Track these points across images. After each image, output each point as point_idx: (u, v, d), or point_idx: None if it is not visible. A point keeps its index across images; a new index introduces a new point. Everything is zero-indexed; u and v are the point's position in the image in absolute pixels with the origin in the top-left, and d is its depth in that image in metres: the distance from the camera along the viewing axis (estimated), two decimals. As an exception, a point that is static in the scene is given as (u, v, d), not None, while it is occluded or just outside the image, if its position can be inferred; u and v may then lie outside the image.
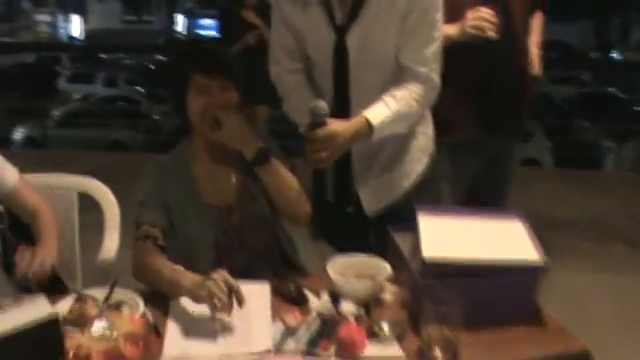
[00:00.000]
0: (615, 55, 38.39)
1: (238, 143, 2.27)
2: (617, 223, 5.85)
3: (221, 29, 5.65)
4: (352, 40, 2.39)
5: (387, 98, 2.38)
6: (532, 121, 15.23)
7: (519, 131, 3.20)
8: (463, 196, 3.05)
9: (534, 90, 3.11)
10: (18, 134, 18.67)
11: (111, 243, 2.77)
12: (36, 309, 1.68)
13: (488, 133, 2.98)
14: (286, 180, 2.32)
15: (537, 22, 3.12)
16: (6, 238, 2.32)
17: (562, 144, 14.74)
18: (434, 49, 2.43)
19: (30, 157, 8.45)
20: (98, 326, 1.70)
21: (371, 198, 2.64)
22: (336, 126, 2.27)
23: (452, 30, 2.74)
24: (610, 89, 22.44)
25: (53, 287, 2.14)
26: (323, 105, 2.25)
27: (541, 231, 2.10)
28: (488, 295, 1.88)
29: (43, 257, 2.15)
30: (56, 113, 19.78)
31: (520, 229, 2.11)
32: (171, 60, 3.04)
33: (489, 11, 2.72)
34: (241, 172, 2.36)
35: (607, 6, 39.28)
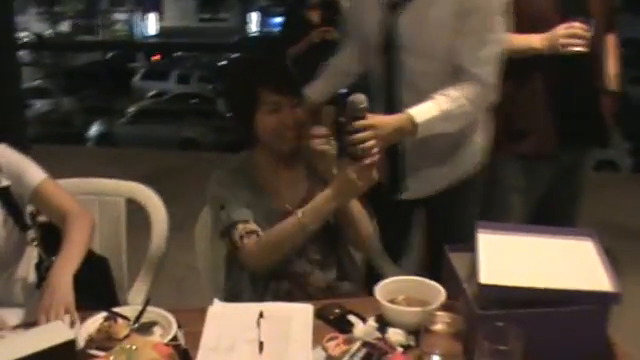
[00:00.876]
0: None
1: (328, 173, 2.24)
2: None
3: (285, 28, 5.59)
4: (404, 21, 2.36)
5: (439, 96, 2.32)
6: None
7: (595, 143, 3.09)
8: (534, 208, 2.99)
9: (615, 106, 3.02)
10: (93, 131, 19.05)
11: (158, 250, 2.65)
12: (54, 333, 1.60)
13: (563, 145, 2.90)
14: (356, 213, 2.28)
15: (611, 43, 3.05)
16: (41, 257, 2.26)
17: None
18: (491, 51, 2.35)
19: (103, 155, 8.55)
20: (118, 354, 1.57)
21: (420, 186, 2.64)
22: (376, 120, 2.17)
23: (539, 43, 2.75)
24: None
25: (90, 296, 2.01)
26: (362, 98, 2.11)
27: (616, 242, 1.88)
28: (553, 328, 1.67)
29: (57, 308, 1.86)
30: (130, 110, 20.13)
31: (592, 251, 1.90)
32: (237, 76, 2.90)
33: (583, 26, 2.68)
34: (308, 179, 2.33)
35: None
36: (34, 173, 2.26)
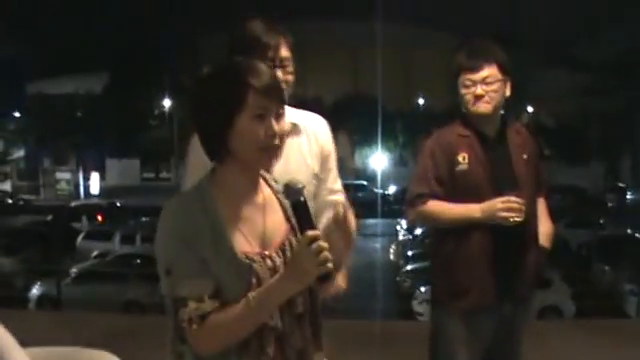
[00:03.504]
0: (630, 196, 38.54)
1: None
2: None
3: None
4: None
5: None
6: (550, 267, 15.19)
7: (531, 296, 3.27)
8: (481, 358, 3.12)
9: (543, 260, 3.26)
10: (34, 292, 18.62)
11: None
12: None
13: (502, 298, 3.07)
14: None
15: (542, 206, 3.30)
16: None
17: (583, 292, 14.50)
18: None
19: (45, 318, 8.36)
20: None
21: None
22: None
23: (478, 213, 2.99)
24: (628, 231, 22.35)
25: None
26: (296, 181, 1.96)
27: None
28: None
29: None
30: (73, 270, 19.81)
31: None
32: (222, 73, 1.90)
33: (518, 200, 2.93)
34: (284, 211, 2.03)
35: (617, 148, 39.80)
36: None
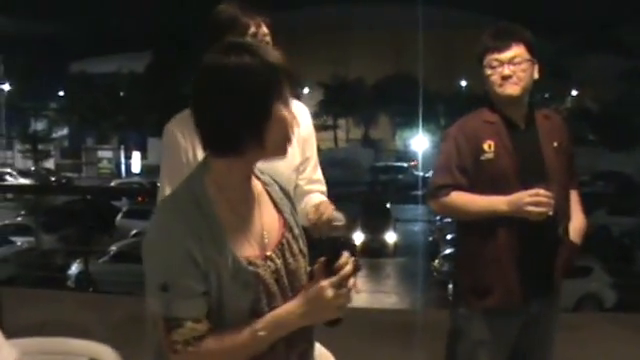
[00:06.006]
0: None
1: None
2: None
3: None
4: None
5: None
6: (590, 255, 14.90)
7: (557, 294, 3.08)
8: None
9: (574, 257, 3.05)
10: (72, 270, 18.84)
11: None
12: None
13: (525, 299, 2.90)
14: None
15: (575, 199, 3.11)
16: None
17: (624, 283, 14.10)
18: None
19: (78, 299, 8.38)
20: None
21: None
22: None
23: (504, 206, 2.82)
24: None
25: None
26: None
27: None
28: None
29: None
30: (111, 249, 20.00)
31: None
32: (246, 62, 1.57)
33: (547, 193, 2.75)
34: (275, 204, 1.91)
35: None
36: (4, 356, 2.21)
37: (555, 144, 2.94)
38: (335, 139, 51.93)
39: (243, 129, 1.71)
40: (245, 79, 1.70)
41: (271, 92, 1.71)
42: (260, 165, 1.90)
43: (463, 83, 50.49)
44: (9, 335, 3.52)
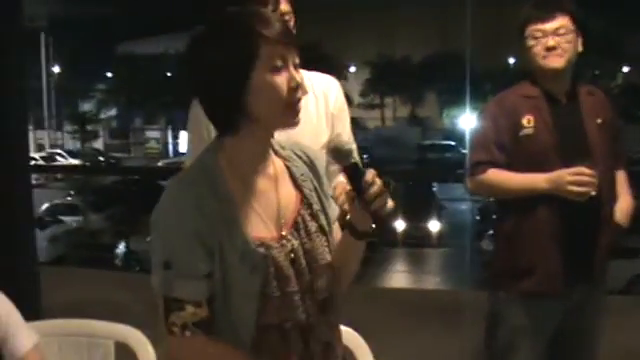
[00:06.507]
0: None
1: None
2: None
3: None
4: None
5: None
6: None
7: (602, 279, 2.93)
8: (544, 350, 2.84)
9: (618, 239, 2.91)
10: (120, 249, 19.04)
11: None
12: None
13: (567, 284, 2.76)
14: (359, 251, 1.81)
15: (621, 179, 2.95)
16: None
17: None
18: None
19: (116, 280, 8.42)
20: None
21: None
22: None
23: (544, 184, 2.69)
24: None
25: None
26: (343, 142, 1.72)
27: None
28: None
29: None
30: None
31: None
32: (221, 30, 1.68)
33: (590, 172, 2.62)
34: (293, 180, 1.80)
35: None
36: (23, 340, 2.19)
37: (599, 120, 2.79)
38: (382, 118, 51.65)
39: (224, 103, 1.64)
40: (211, 50, 1.64)
41: (243, 60, 1.61)
42: (285, 140, 1.81)
43: (511, 60, 49.75)
44: (46, 314, 3.52)
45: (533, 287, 2.77)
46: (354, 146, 1.82)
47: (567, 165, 2.65)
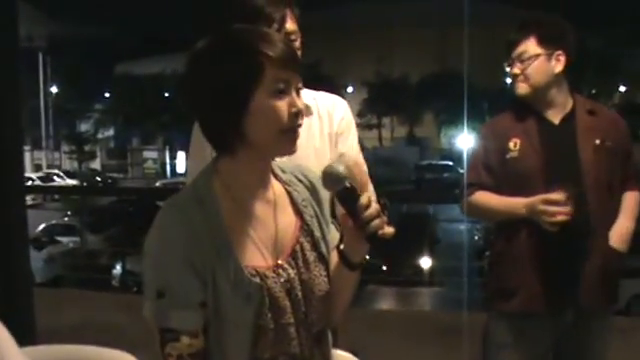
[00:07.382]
0: None
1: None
2: None
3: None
4: None
5: None
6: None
7: (605, 308, 2.89)
8: None
9: (616, 264, 2.81)
10: (117, 270, 18.94)
11: None
12: None
13: (553, 305, 2.73)
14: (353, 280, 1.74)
15: (629, 201, 2.86)
16: None
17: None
18: None
19: (113, 302, 8.35)
20: None
21: None
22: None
23: (521, 209, 2.67)
24: None
25: None
26: (338, 168, 1.65)
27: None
28: None
29: None
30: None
31: None
32: (224, 48, 1.62)
33: (560, 197, 2.56)
34: (294, 205, 1.73)
35: None
36: None
37: (597, 141, 2.73)
38: (380, 138, 51.73)
39: (221, 124, 1.59)
40: (213, 69, 1.58)
41: (245, 81, 1.55)
42: (287, 163, 1.76)
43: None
44: (41, 336, 3.46)
45: (517, 307, 2.76)
46: (364, 167, 1.93)
47: (549, 189, 2.61)
